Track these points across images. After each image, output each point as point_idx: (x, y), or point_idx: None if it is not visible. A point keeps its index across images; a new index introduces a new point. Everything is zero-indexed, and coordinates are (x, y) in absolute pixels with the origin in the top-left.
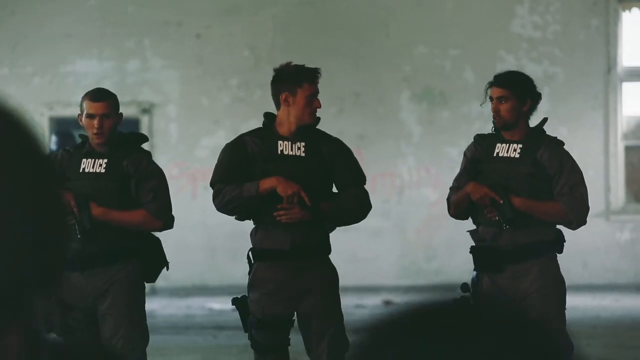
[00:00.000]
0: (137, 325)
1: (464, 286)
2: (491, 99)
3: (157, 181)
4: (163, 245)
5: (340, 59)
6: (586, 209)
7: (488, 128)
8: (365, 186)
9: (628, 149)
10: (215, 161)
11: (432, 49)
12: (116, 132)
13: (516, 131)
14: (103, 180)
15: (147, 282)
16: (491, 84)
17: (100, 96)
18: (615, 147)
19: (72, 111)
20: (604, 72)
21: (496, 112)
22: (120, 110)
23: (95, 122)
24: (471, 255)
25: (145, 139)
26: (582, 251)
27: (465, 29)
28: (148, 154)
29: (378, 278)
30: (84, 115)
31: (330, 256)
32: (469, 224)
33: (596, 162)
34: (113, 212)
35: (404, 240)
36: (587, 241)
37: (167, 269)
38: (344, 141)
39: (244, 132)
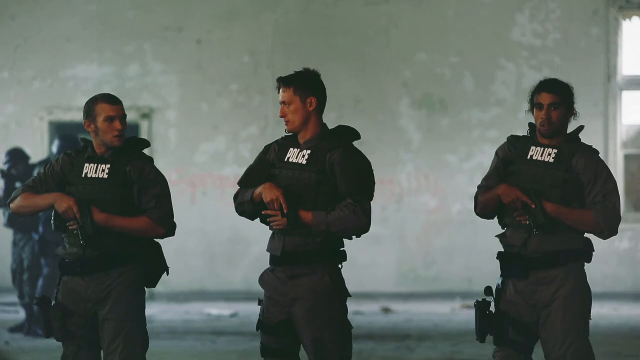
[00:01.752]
0: (136, 330)
1: (488, 289)
2: (538, 105)
3: (159, 188)
4: (162, 251)
5: (340, 65)
6: (618, 219)
7: (487, 136)
8: (365, 199)
9: (627, 158)
10: (214, 167)
11: (432, 55)
12: None
13: (555, 139)
14: (105, 185)
15: (147, 287)
16: (539, 90)
17: (116, 99)
18: (614, 155)
19: (72, 115)
20: (603, 80)
21: (547, 118)
22: None
23: (117, 123)
24: (471, 260)
25: (147, 144)
26: None
27: (466, 37)
28: (150, 160)
29: (376, 285)
30: (100, 119)
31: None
32: (470, 231)
33: None
34: (115, 218)
35: (402, 247)
36: None
37: (168, 274)
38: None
39: (243, 137)
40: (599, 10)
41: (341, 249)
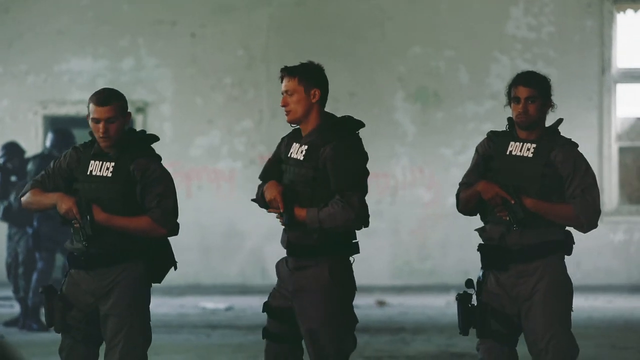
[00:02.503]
0: (139, 326)
1: (469, 282)
2: (516, 99)
3: (162, 187)
4: (170, 246)
5: (335, 58)
6: (597, 212)
7: (482, 129)
8: (356, 194)
9: (622, 150)
10: (209, 160)
11: (426, 49)
12: (124, 133)
13: (534, 131)
14: (109, 184)
15: (153, 283)
16: (515, 84)
17: (105, 100)
18: (609, 148)
19: (67, 109)
20: (598, 73)
21: (524, 112)
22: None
23: (100, 126)
24: (466, 254)
25: (154, 139)
26: (575, 252)
27: (460, 30)
28: (156, 158)
29: (372, 278)
30: (89, 118)
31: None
32: (464, 225)
33: (590, 163)
34: (116, 218)
35: (397, 240)
36: (580, 242)
37: (175, 268)
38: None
39: (237, 131)
40: (593, 3)
41: (353, 241)
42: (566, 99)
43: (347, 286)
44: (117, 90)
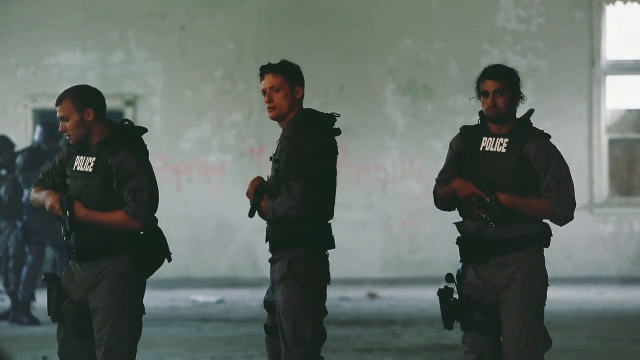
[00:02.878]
0: (124, 320)
1: (449, 276)
2: (484, 93)
3: (137, 181)
4: (163, 238)
5: (325, 51)
6: (572, 205)
7: (473, 121)
8: (298, 182)
9: (612, 142)
10: (199, 154)
11: (416, 41)
12: (110, 127)
13: (505, 124)
14: (90, 180)
15: (142, 277)
16: (483, 78)
17: (58, 100)
18: (599, 140)
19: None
20: (587, 65)
21: (493, 105)
22: (106, 101)
23: (62, 126)
24: (457, 246)
25: (141, 131)
26: (565, 244)
27: (450, 22)
28: (138, 151)
29: (362, 271)
30: None
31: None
32: (454, 217)
33: (580, 155)
34: (95, 213)
35: (388, 232)
36: (570, 234)
37: (170, 260)
38: None
39: (227, 124)
40: None
41: (322, 234)
42: (556, 90)
43: (309, 279)
44: (78, 87)
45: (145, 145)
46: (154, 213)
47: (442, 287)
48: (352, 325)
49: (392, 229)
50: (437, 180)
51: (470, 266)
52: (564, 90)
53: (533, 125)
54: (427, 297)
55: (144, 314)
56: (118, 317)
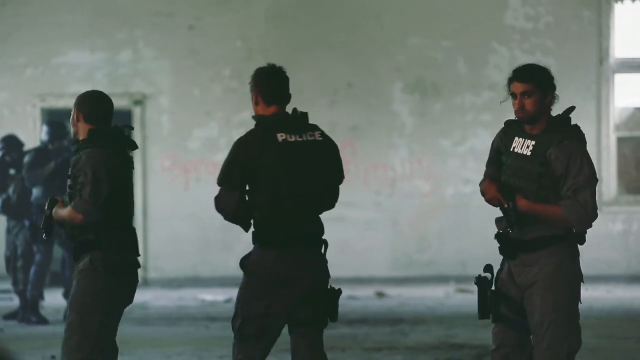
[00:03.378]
0: (77, 321)
1: (487, 267)
2: (513, 95)
3: (83, 176)
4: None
5: (333, 49)
6: (589, 214)
7: (481, 119)
8: (220, 186)
9: (620, 140)
10: (207, 153)
11: (425, 40)
12: (82, 128)
13: (537, 125)
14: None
15: (111, 276)
16: (511, 79)
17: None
18: (607, 138)
19: (65, 102)
20: (596, 63)
21: (521, 108)
22: (113, 102)
23: None
24: (464, 245)
25: (123, 131)
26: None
27: (458, 20)
28: (94, 150)
29: (370, 269)
30: None
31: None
32: (463, 216)
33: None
34: (58, 211)
35: (396, 231)
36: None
37: (139, 265)
38: (337, 132)
39: (235, 123)
40: None
41: (279, 232)
42: (564, 89)
43: (256, 276)
44: (85, 92)
45: (122, 149)
46: (97, 206)
47: (480, 274)
48: (360, 324)
49: (401, 227)
50: (484, 173)
51: (506, 261)
52: (572, 88)
53: (572, 123)
54: (436, 296)
55: (100, 315)
56: (73, 317)
